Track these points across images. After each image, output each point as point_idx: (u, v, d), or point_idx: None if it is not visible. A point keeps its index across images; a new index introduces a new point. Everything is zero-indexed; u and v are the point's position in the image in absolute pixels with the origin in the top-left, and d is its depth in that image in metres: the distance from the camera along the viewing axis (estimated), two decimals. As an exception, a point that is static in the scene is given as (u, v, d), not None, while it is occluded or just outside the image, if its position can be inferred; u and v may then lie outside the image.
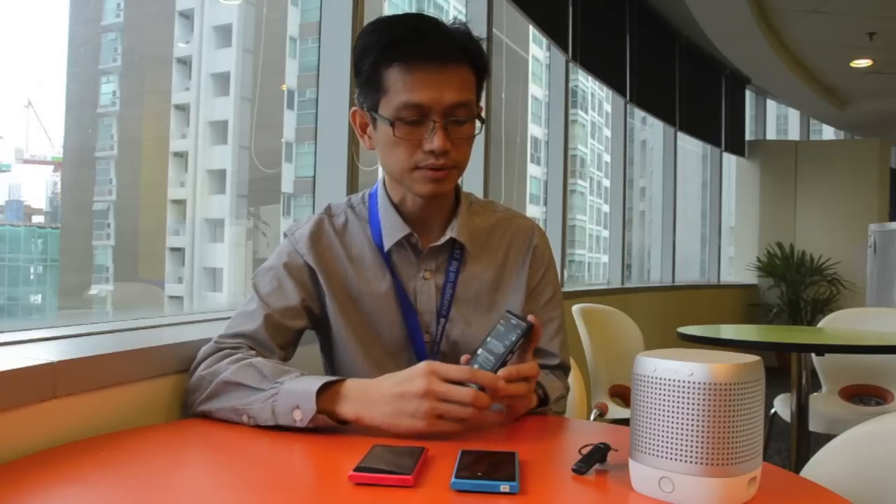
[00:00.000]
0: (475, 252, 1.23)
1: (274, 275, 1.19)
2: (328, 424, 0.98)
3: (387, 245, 1.19)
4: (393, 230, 1.19)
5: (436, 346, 1.19)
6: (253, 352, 1.11)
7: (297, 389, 0.97)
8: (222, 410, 1.03)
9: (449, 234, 1.19)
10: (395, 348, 1.19)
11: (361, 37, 1.14)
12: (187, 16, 3.47)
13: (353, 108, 1.20)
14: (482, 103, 1.21)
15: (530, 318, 1.00)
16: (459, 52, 1.11)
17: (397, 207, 1.21)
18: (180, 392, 1.19)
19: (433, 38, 1.10)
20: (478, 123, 1.15)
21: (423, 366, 0.95)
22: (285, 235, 1.25)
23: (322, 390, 0.97)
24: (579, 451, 0.83)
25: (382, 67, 1.10)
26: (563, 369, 1.29)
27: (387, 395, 0.95)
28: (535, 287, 1.27)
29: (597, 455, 0.82)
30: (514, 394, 0.98)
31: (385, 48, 1.09)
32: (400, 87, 1.09)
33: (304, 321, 1.20)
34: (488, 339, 1.02)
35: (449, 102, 1.09)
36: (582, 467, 0.80)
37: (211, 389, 1.05)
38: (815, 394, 2.76)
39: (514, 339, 0.99)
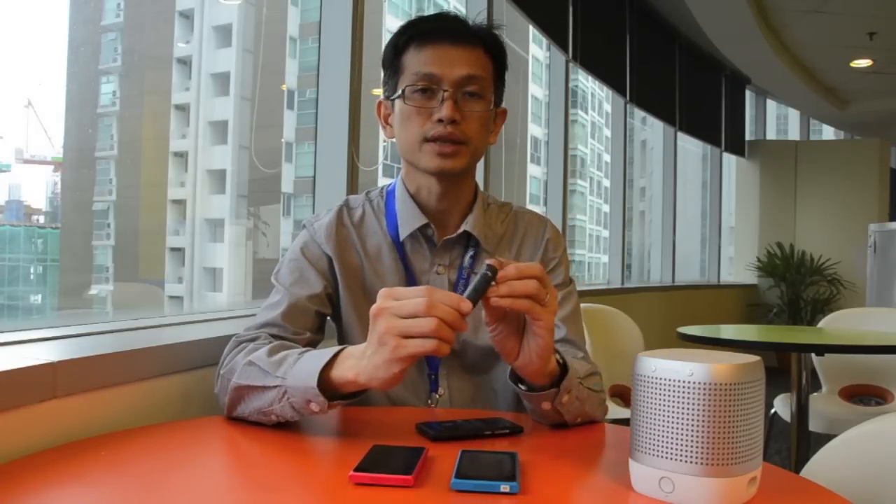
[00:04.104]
0: (489, 250, 1.24)
1: (295, 265, 1.20)
2: (345, 404, 0.96)
3: (402, 234, 1.20)
4: (409, 220, 1.21)
5: None
6: (268, 340, 1.09)
7: (301, 386, 0.94)
8: (251, 415, 1.02)
9: (464, 228, 1.21)
10: None
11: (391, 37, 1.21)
12: (187, 16, 3.47)
13: (378, 100, 1.24)
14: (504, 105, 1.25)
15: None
16: (472, 35, 1.17)
17: (414, 198, 1.22)
18: (180, 392, 1.19)
19: (447, 21, 1.18)
20: (496, 108, 1.18)
21: (373, 309, 0.89)
22: (304, 227, 1.26)
23: (322, 375, 0.93)
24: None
25: (401, 50, 1.17)
26: (573, 344, 1.21)
27: (364, 345, 0.91)
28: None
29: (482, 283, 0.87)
30: (512, 294, 0.87)
31: (403, 31, 1.17)
32: (414, 63, 1.15)
33: (329, 308, 1.21)
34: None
35: (460, 75, 1.13)
36: (472, 295, 0.86)
37: (231, 396, 1.03)
38: (815, 394, 2.76)
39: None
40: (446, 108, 1.12)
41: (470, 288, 0.88)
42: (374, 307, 0.88)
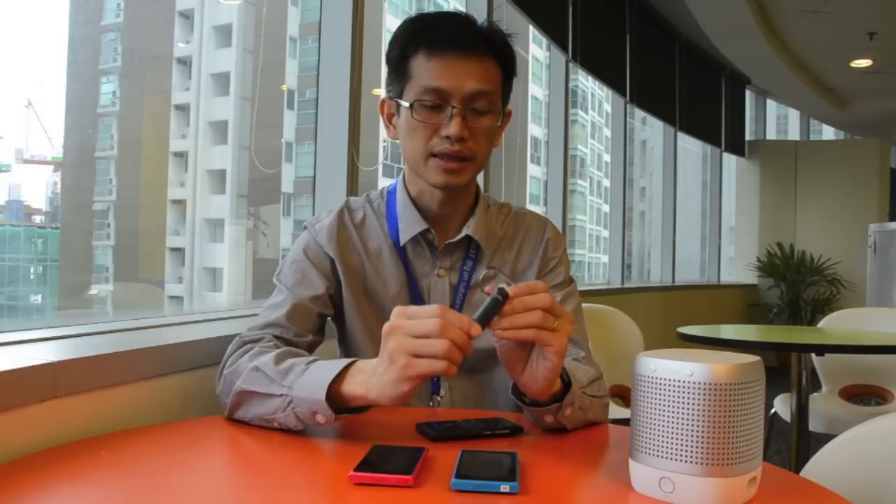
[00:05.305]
0: (490, 253, 1.23)
1: (298, 266, 1.20)
2: (351, 415, 0.96)
3: (403, 239, 1.20)
4: (410, 225, 1.20)
5: None
6: (272, 343, 1.09)
7: (308, 398, 0.93)
8: (253, 420, 1.01)
9: (465, 232, 1.20)
10: None
11: (396, 31, 1.17)
12: (187, 16, 3.47)
13: (382, 98, 1.21)
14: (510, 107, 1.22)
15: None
16: (484, 44, 1.13)
17: (415, 202, 1.21)
18: (180, 392, 1.19)
19: (458, 28, 1.13)
20: (500, 119, 1.16)
21: (386, 326, 0.89)
22: (305, 228, 1.25)
23: (331, 387, 0.92)
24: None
25: (408, 55, 1.13)
26: (576, 344, 1.19)
27: (376, 361, 0.91)
28: (545, 274, 1.25)
29: (493, 306, 0.87)
30: (519, 325, 0.88)
31: (411, 35, 1.13)
32: (422, 73, 1.11)
33: (331, 309, 1.21)
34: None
35: (469, 91, 1.10)
36: (482, 318, 0.86)
37: (233, 399, 1.03)
38: (815, 394, 2.76)
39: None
40: (455, 125, 1.10)
41: (480, 310, 0.88)
42: (387, 325, 0.88)
